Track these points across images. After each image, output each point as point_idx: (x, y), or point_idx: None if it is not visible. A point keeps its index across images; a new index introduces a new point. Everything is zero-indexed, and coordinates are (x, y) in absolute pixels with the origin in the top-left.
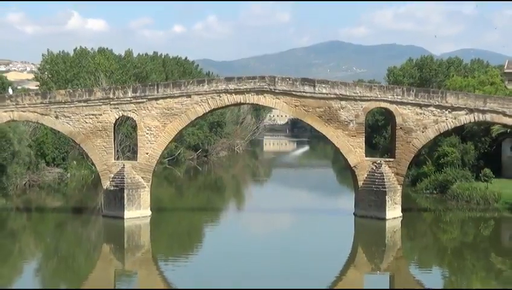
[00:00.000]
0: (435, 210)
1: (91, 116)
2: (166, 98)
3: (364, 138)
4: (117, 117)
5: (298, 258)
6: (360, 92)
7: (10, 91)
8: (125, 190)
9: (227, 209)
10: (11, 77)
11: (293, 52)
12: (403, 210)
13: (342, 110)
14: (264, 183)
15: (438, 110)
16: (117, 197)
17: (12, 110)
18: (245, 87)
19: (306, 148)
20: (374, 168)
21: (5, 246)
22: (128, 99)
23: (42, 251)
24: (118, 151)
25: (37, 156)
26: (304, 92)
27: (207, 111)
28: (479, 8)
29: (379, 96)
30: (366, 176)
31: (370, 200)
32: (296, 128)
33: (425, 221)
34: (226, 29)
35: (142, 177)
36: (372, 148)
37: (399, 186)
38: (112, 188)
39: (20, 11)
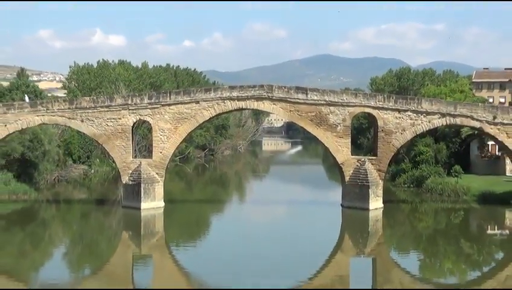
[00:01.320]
0: (412, 202)
1: (112, 120)
2: (177, 104)
3: (350, 139)
4: (134, 121)
5: (292, 243)
6: (346, 98)
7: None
8: (141, 184)
9: (231, 201)
10: (42, 85)
11: (289, 64)
12: (384, 202)
13: (330, 115)
14: (263, 178)
15: (415, 114)
16: (135, 190)
17: (43, 115)
18: (246, 94)
19: (299, 148)
20: (359, 165)
21: (37, 234)
22: (145, 105)
23: (69, 238)
24: (135, 150)
25: (65, 154)
26: (297, 98)
27: (213, 115)
28: (449, 26)
29: (363, 102)
30: (351, 172)
31: (355, 193)
32: (291, 131)
33: (404, 211)
34: (229, 43)
35: (157, 173)
36: (357, 148)
37: (380, 181)
38: (130, 182)
39: (50, 28)
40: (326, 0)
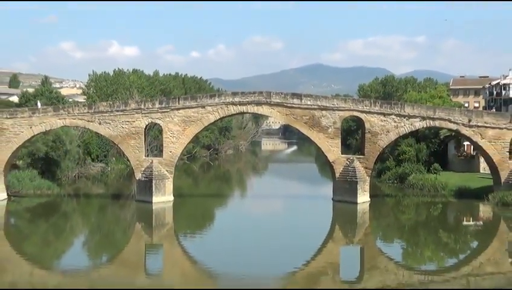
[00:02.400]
0: (396, 196)
1: (126, 123)
2: (185, 108)
3: (340, 140)
4: (147, 123)
5: (288, 233)
6: (337, 103)
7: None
8: (153, 180)
9: (233, 195)
10: (64, 92)
11: (285, 73)
12: (370, 196)
13: (322, 118)
14: (262, 175)
15: (398, 118)
16: (147, 186)
17: (65, 118)
18: (247, 100)
19: (294, 147)
20: (348, 163)
21: (59, 225)
22: (156, 109)
23: (88, 228)
24: (147, 150)
25: (84, 153)
26: (293, 103)
27: (217, 118)
28: (428, 38)
29: (352, 107)
30: (341, 169)
31: (345, 188)
32: (287, 132)
33: (388, 205)
34: (232, 54)
35: (167, 170)
36: (346, 148)
37: (367, 177)
38: (143, 178)
39: (71, 40)
40: (319, 8)
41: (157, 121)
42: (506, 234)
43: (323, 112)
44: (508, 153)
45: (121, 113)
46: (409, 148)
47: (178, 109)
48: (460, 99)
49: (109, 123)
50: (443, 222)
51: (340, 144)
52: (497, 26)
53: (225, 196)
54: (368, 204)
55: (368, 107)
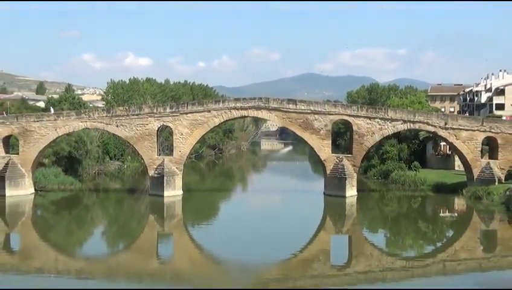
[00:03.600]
0: (380, 191)
1: (141, 125)
2: (193, 112)
3: (330, 140)
4: (159, 126)
5: (284, 223)
6: (328, 108)
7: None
8: (164, 177)
9: (236, 190)
10: (85, 98)
11: (281, 81)
12: (357, 190)
13: (315, 121)
14: (261, 171)
15: (382, 121)
16: (159, 181)
17: (86, 121)
18: (248, 105)
19: (290, 147)
20: (338, 161)
21: (81, 216)
22: (167, 113)
23: (106, 219)
24: (159, 149)
25: (103, 153)
26: (288, 108)
27: (221, 122)
28: (409, 51)
29: (341, 111)
30: (332, 166)
31: (335, 183)
32: (284, 134)
33: (373, 198)
34: (234, 64)
35: (176, 168)
36: (336, 148)
37: (355, 173)
38: (156, 175)
39: (92, 52)
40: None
41: (168, 124)
42: (478, 225)
43: (316, 115)
44: (479, 152)
45: (136, 117)
46: (392, 148)
47: (186, 113)
48: (437, 104)
49: (125, 126)
50: (422, 214)
51: (330, 144)
52: (470, 39)
53: (229, 190)
54: (355, 198)
55: (355, 112)
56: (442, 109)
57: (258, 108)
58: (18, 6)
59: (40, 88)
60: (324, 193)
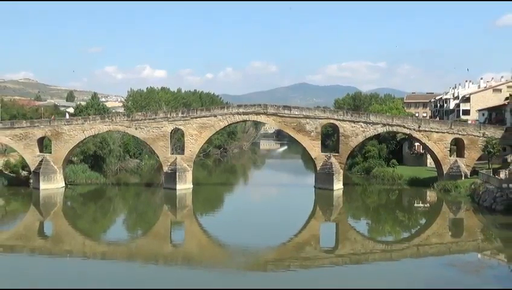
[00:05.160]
0: (363, 184)
1: (156, 128)
2: (201, 117)
3: (320, 141)
4: (172, 128)
5: (280, 212)
6: (318, 113)
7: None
8: (177, 172)
9: (238, 183)
10: (108, 104)
11: (278, 90)
12: (343, 184)
13: (307, 124)
14: (260, 168)
15: (365, 124)
16: (172, 176)
17: (109, 124)
18: (249, 110)
19: (285, 147)
20: (326, 159)
21: (105, 207)
22: (179, 117)
23: (127, 209)
24: (172, 149)
25: (124, 152)
26: (284, 113)
27: (226, 125)
28: (388, 64)
29: (329, 116)
30: (321, 163)
31: (324, 178)
32: (280, 135)
33: (357, 191)
34: (237, 75)
35: (187, 165)
36: (325, 147)
37: (341, 170)
38: (169, 171)
39: (114, 65)
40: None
41: (180, 127)
42: (447, 214)
43: (307, 120)
44: (448, 152)
45: (152, 121)
46: (373, 148)
47: (196, 117)
48: (412, 110)
49: (143, 128)
50: (399, 204)
51: (320, 144)
52: (440, 54)
53: (232, 184)
54: (342, 191)
55: (341, 116)
56: (416, 114)
57: (258, 113)
58: (53, 27)
59: (70, 96)
60: (314, 187)
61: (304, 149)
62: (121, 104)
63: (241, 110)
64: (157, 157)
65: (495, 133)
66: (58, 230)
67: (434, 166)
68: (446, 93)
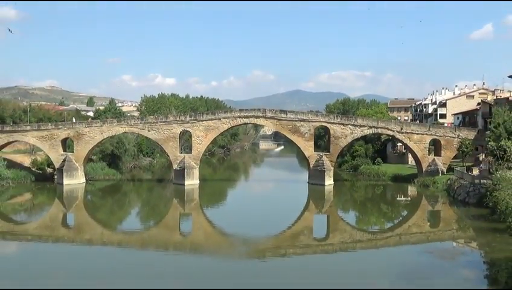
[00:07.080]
0: (351, 180)
1: (167, 130)
2: (207, 120)
3: (313, 142)
4: (181, 130)
5: (276, 205)
6: (311, 117)
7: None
8: (185, 169)
9: (240, 179)
10: (124, 109)
11: (275, 96)
12: (334, 180)
13: (301, 127)
14: (259, 166)
15: (353, 126)
16: (181, 173)
17: (125, 127)
18: (249, 114)
19: (282, 147)
20: (318, 157)
21: (121, 200)
22: (187, 121)
23: (140, 203)
24: (181, 148)
25: (138, 151)
26: (281, 117)
27: (229, 127)
28: (373, 73)
29: (321, 119)
30: (314, 162)
31: (316, 175)
32: (277, 136)
33: (346, 186)
34: (239, 83)
35: (194, 163)
36: (317, 147)
37: (332, 167)
38: (178, 168)
39: (129, 74)
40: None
41: (188, 129)
42: (426, 206)
43: (302, 122)
44: (427, 151)
45: (163, 123)
46: (360, 147)
47: (202, 120)
48: (395, 114)
49: (155, 130)
50: (383, 198)
51: (313, 144)
52: (420, 64)
53: (235, 180)
54: (332, 186)
55: (332, 120)
56: (399, 118)
57: (257, 117)
58: (76, 40)
59: (90, 101)
60: (308, 182)
61: (298, 149)
62: (135, 108)
63: (242, 114)
64: (168, 156)
65: (468, 134)
66: (80, 221)
67: (414, 164)
68: (425, 99)
